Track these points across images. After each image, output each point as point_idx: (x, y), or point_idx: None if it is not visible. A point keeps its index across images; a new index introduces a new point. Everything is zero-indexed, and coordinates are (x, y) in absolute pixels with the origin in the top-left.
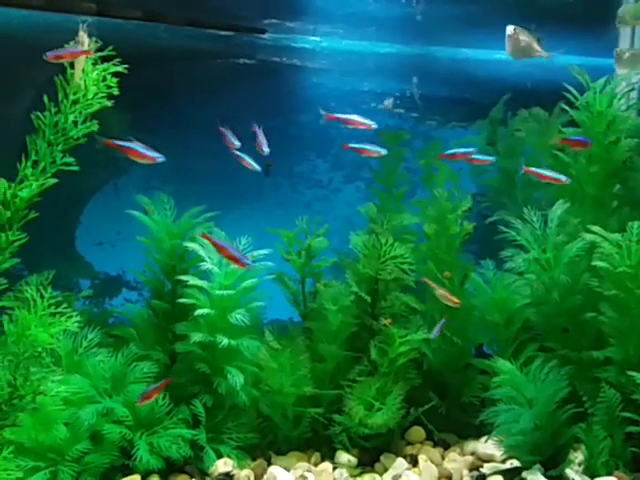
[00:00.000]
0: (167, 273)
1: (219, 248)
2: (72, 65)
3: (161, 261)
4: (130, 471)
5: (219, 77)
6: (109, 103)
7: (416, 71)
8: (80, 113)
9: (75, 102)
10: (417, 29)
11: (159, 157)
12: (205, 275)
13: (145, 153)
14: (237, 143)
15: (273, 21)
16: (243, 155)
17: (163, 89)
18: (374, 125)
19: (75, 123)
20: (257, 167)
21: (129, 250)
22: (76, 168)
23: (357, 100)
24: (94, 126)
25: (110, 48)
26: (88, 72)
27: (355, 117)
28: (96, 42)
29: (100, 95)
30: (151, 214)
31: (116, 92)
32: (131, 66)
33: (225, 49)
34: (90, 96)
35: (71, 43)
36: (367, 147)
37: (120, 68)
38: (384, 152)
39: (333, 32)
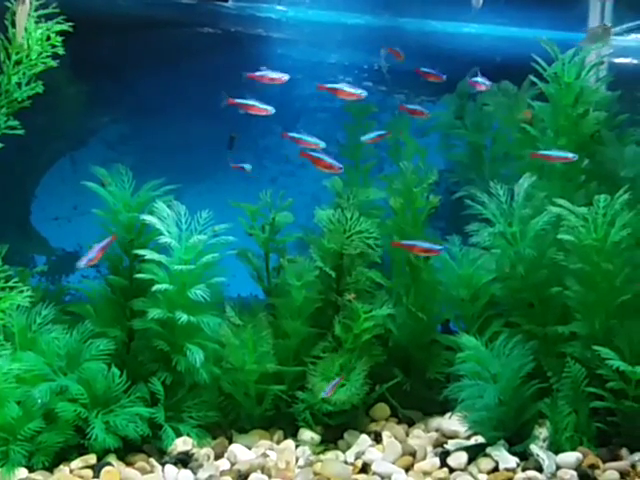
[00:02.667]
0: (125, 248)
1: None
2: (14, 24)
3: (118, 235)
4: (86, 450)
5: (181, 47)
6: (54, 63)
7: (384, 43)
8: (24, 74)
9: (18, 63)
10: (385, 0)
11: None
12: (165, 250)
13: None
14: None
15: None
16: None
17: (122, 59)
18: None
19: (19, 85)
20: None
21: (86, 225)
22: (21, 132)
23: (324, 72)
24: (39, 87)
25: (54, 5)
26: (31, 31)
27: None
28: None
29: (44, 55)
30: (108, 187)
31: (61, 51)
32: (88, 35)
33: (187, 18)
34: (34, 56)
35: (13, 2)
36: (306, 138)
37: (65, 26)
38: (323, 145)
39: (299, 2)
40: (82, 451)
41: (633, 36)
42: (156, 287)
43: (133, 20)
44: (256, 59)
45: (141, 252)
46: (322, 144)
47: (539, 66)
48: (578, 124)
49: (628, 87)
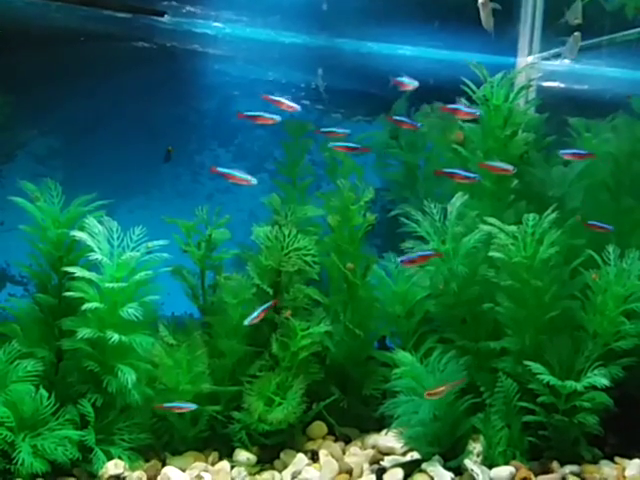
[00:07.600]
0: (53, 265)
1: None
2: None
3: (47, 252)
4: (12, 476)
5: (115, 61)
6: None
7: (321, 63)
8: None
9: None
10: (323, 20)
11: None
12: (96, 267)
13: None
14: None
15: (173, 4)
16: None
17: (54, 72)
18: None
19: None
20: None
21: (14, 242)
22: None
23: (261, 90)
24: None
25: None
26: None
27: None
28: None
29: None
30: (37, 202)
31: None
32: (19, 46)
33: (122, 31)
34: None
35: None
36: (236, 174)
37: None
38: (254, 181)
39: (237, 19)
40: (8, 477)
41: (560, 61)
42: (86, 306)
43: (67, 32)
44: (192, 74)
45: (70, 269)
46: (253, 180)
47: (469, 89)
48: (507, 145)
49: (555, 110)
